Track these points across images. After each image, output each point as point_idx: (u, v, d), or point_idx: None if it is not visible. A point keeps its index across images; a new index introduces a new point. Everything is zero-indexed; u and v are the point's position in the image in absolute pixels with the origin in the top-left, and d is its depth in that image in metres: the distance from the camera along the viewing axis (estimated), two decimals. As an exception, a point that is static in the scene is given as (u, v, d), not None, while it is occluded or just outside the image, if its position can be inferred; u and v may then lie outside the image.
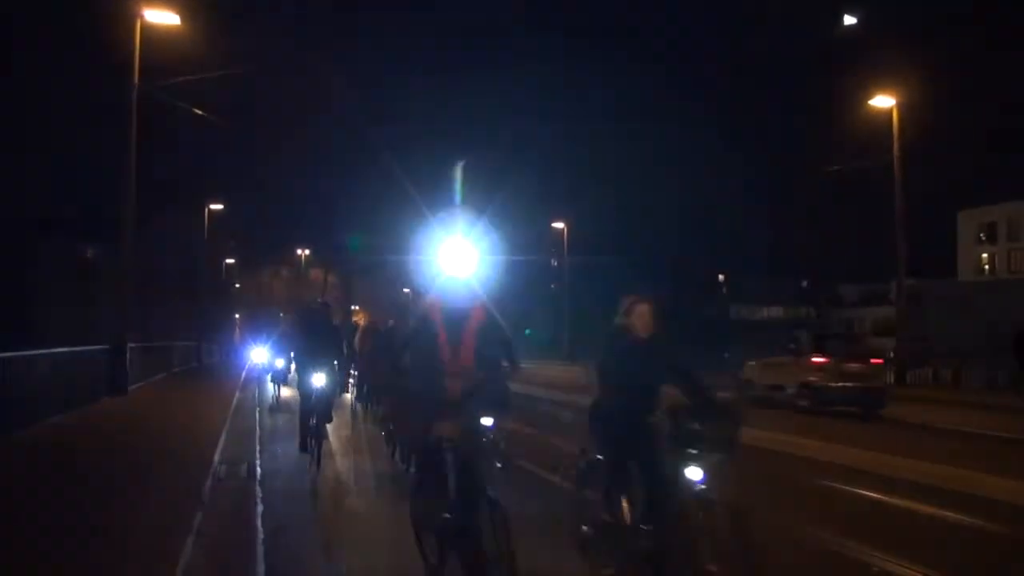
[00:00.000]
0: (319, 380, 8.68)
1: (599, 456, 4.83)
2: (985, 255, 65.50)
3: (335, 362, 9.16)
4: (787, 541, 5.59)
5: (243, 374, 24.80)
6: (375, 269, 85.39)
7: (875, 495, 7.59)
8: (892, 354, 24.82)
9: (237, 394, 17.52)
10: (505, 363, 4.92)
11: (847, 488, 7.90)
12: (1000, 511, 6.90)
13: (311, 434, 8.61)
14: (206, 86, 20.11)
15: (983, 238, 65.51)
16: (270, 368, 18.40)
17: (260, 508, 6.81)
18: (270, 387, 17.60)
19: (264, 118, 75.10)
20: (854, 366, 14.80)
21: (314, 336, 9.03)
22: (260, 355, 22.65)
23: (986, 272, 64.46)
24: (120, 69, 17.33)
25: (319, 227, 67.32)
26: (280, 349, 17.38)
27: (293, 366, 21.23)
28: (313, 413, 8.63)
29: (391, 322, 12.60)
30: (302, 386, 8.97)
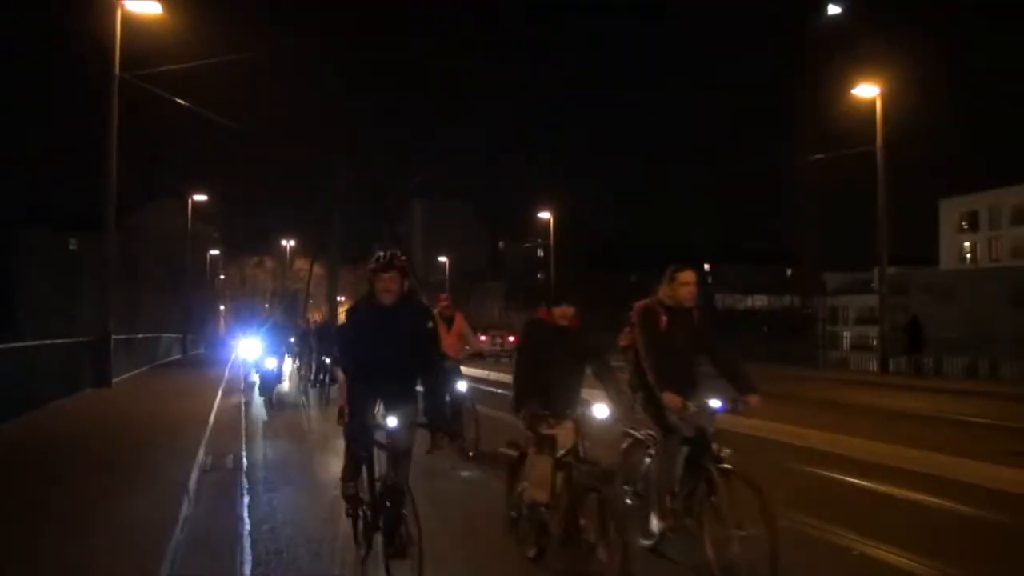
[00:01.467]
0: (398, 420, 4.36)
1: None
2: (967, 243, 66.13)
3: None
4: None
5: (226, 372, 23.62)
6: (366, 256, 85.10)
7: (846, 478, 7.70)
8: (875, 342, 25.02)
9: (219, 395, 17.42)
10: None
11: (818, 471, 8.00)
12: (974, 494, 7.02)
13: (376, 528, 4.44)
14: (191, 76, 19.93)
15: (965, 227, 66.12)
16: (258, 368, 14.93)
17: (247, 499, 6.84)
18: (257, 398, 14.47)
19: (249, 107, 74.62)
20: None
21: (390, 331, 4.47)
22: (248, 348, 19.23)
23: (968, 260, 65.10)
24: (102, 58, 17.15)
25: (304, 217, 66.96)
26: (272, 344, 14.38)
27: (290, 365, 17.61)
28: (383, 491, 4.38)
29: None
30: (357, 428, 4.39)
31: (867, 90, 22.63)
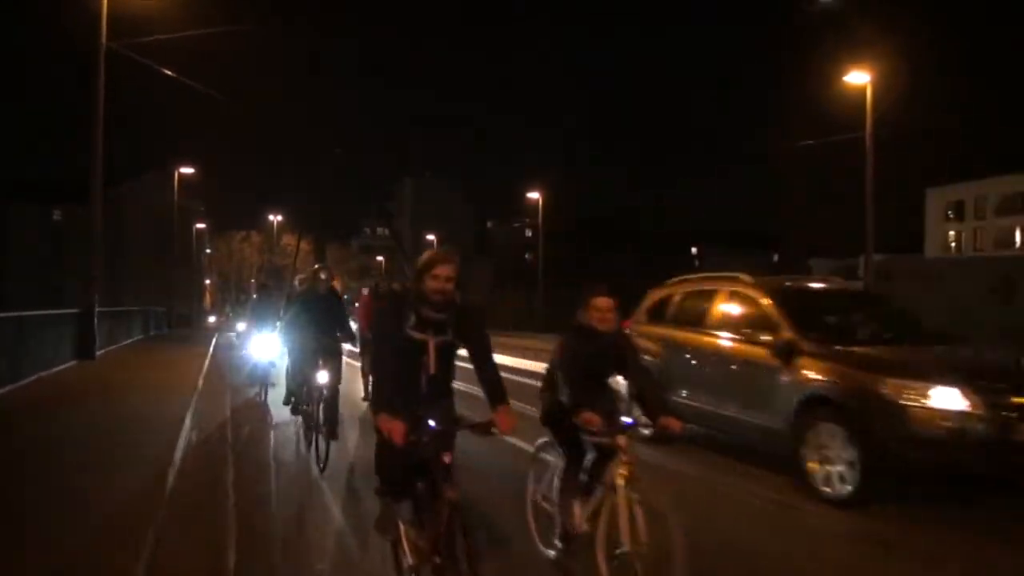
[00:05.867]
0: None
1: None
2: (952, 232, 66.59)
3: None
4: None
5: (211, 348, 22.66)
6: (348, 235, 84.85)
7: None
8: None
9: (204, 369, 17.35)
10: None
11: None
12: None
13: None
14: (182, 48, 19.71)
15: (951, 216, 66.56)
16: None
17: (232, 473, 6.85)
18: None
19: (240, 81, 73.88)
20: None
21: None
22: (264, 348, 11.88)
23: (952, 249, 65.59)
24: (88, 28, 16.91)
25: (293, 192, 66.57)
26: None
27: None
28: None
29: None
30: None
31: (858, 77, 22.62)
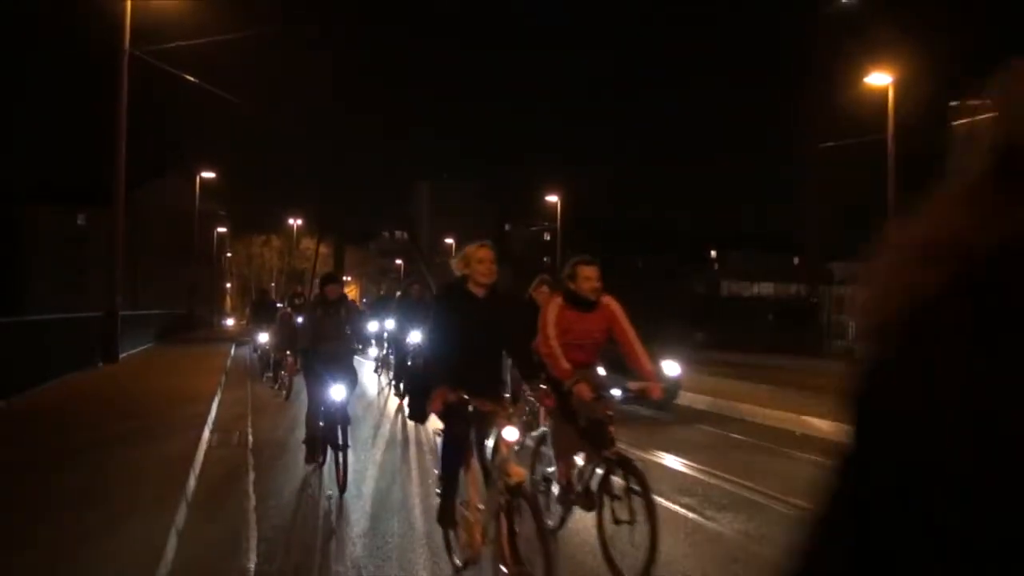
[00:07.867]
0: None
1: None
2: (974, 234, 65.77)
3: None
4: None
5: (231, 349, 23.52)
6: (363, 239, 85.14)
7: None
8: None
9: (224, 373, 17.43)
10: None
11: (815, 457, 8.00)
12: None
13: None
14: (203, 52, 19.90)
15: (973, 217, 65.73)
16: None
17: (252, 476, 6.89)
18: None
19: (260, 85, 74.34)
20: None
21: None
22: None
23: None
24: (111, 34, 17.11)
25: (312, 195, 66.79)
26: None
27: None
28: None
29: None
30: None
31: (879, 78, 22.42)
